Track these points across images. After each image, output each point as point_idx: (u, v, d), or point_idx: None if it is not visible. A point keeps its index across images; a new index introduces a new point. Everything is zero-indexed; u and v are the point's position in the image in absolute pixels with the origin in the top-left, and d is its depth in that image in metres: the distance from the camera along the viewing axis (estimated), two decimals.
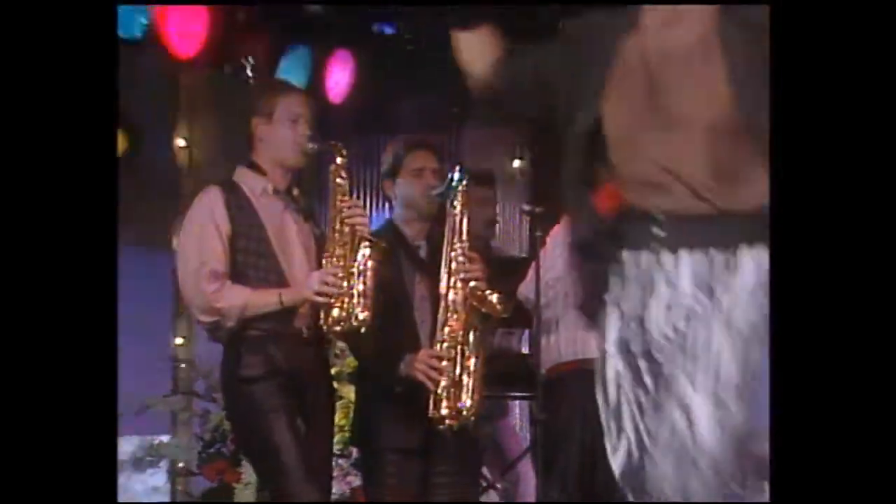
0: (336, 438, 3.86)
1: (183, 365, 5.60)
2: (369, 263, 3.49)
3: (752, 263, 2.27)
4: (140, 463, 5.46)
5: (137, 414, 5.20)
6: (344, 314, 3.43)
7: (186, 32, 5.27)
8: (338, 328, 3.48)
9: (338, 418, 3.84)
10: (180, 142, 5.87)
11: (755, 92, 2.23)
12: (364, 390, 3.83)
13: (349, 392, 4.10)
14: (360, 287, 3.47)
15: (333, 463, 3.99)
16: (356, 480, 4.33)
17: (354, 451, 4.15)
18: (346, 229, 3.48)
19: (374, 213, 5.04)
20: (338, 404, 3.86)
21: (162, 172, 5.71)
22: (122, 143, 5.52)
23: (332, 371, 3.89)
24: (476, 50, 2.58)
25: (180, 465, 5.28)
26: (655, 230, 2.31)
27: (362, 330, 3.50)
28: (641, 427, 2.28)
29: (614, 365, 2.35)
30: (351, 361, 4.16)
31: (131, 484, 5.73)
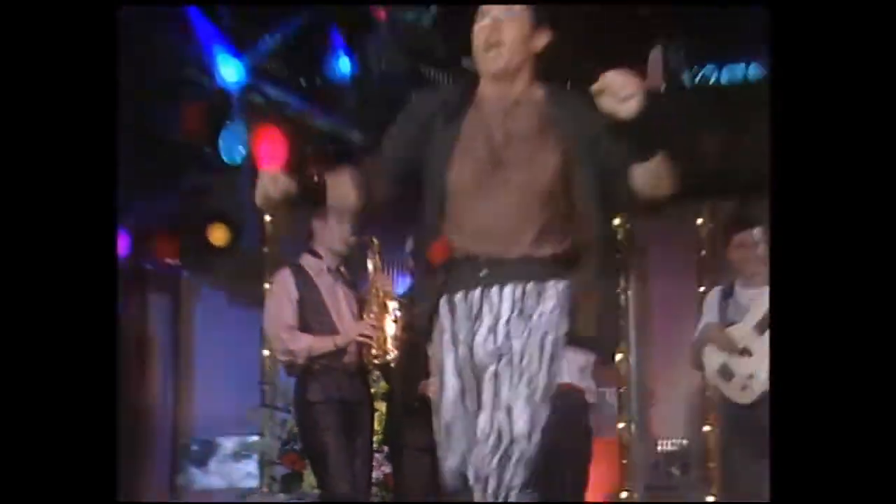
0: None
1: (267, 386, 5.53)
2: (397, 314, 3.49)
3: (554, 291, 1.99)
4: (238, 456, 5.39)
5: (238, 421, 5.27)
6: (379, 352, 3.42)
7: (271, 157, 5.25)
8: (375, 362, 3.47)
9: None
10: (265, 235, 5.79)
11: (579, 166, 1.99)
12: (393, 405, 3.76)
13: (382, 406, 4.05)
14: (391, 332, 3.45)
15: None
16: (387, 469, 4.25)
17: (386, 448, 4.07)
18: (380, 294, 3.47)
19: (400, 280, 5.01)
20: None
21: (253, 255, 5.66)
22: (225, 236, 5.46)
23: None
24: (342, 192, 2.10)
25: (266, 457, 5.21)
26: (482, 272, 2.00)
27: (392, 364, 3.48)
28: (472, 431, 1.96)
29: (453, 387, 2.02)
30: (384, 385, 4.13)
31: (232, 470, 5.61)
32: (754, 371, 3.42)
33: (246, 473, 5.47)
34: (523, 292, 1.99)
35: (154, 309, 5.74)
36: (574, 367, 3.59)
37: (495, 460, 1.92)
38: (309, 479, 4.48)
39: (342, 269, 3.59)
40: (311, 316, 3.45)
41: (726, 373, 3.56)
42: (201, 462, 5.57)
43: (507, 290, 1.98)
